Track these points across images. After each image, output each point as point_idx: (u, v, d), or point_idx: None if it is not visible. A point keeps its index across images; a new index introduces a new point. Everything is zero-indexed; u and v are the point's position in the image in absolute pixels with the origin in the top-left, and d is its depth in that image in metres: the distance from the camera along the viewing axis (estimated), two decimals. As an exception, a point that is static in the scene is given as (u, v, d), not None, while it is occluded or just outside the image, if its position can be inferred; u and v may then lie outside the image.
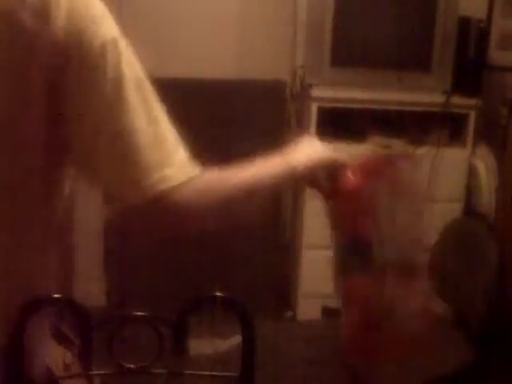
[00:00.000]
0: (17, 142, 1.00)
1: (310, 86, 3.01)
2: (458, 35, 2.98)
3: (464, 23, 2.99)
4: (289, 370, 2.77)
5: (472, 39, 3.02)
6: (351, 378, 2.17)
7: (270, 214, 3.19)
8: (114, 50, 1.01)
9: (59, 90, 0.97)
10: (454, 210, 3.06)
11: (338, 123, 3.07)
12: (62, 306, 1.08)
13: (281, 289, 3.29)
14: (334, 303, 3.33)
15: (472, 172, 3.08)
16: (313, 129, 3.01)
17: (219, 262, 2.99)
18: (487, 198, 3.03)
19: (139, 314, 1.09)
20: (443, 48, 2.98)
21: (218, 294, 1.09)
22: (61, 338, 1.98)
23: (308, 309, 3.18)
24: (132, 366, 1.07)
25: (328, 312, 3.19)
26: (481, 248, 2.25)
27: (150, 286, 2.93)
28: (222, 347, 2.76)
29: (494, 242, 2.22)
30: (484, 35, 3.10)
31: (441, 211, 3.01)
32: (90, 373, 1.09)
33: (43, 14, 0.93)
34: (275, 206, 3.24)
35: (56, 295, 1.06)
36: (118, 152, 1.01)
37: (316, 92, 2.98)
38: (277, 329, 3.07)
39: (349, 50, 2.98)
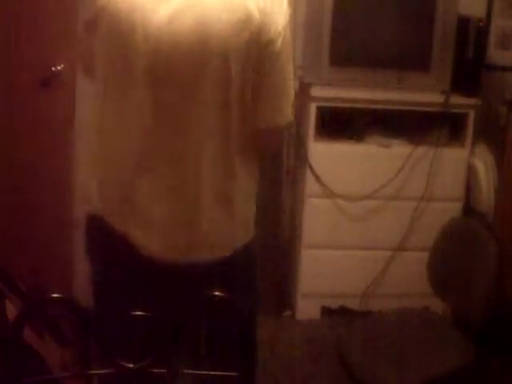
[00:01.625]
0: (233, 89, 1.56)
1: (309, 85, 3.01)
2: (457, 35, 2.98)
3: (463, 23, 2.99)
4: (288, 369, 2.77)
5: (471, 39, 3.01)
6: (350, 377, 2.17)
7: (270, 214, 3.19)
8: (283, 36, 1.57)
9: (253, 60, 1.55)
10: (453, 209, 3.06)
11: (337, 123, 3.07)
12: (61, 306, 1.08)
13: (280, 288, 3.29)
14: (333, 303, 3.36)
15: (471, 171, 3.09)
16: (312, 128, 3.01)
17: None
18: (486, 197, 3.03)
19: (139, 313, 1.09)
20: (442, 48, 2.97)
21: (217, 293, 1.09)
22: (61, 338, 1.98)
23: (307, 308, 3.18)
24: (132, 365, 1.07)
25: (327, 312, 3.19)
26: (480, 247, 2.25)
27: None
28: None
29: (494, 242, 2.22)
30: (483, 35, 3.10)
31: (440, 211, 3.02)
32: (90, 373, 1.09)
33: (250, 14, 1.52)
34: (275, 205, 3.24)
35: (56, 295, 1.06)
36: (274, 92, 1.61)
37: (315, 92, 2.99)
38: (276, 328, 3.07)
39: (348, 49, 2.98)
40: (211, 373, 1.14)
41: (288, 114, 1.64)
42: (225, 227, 1.65)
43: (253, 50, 1.53)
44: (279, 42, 1.55)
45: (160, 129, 1.57)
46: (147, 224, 1.60)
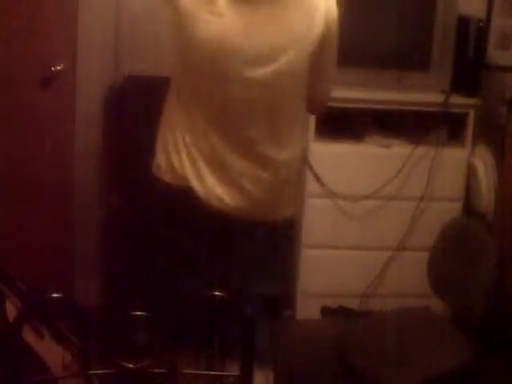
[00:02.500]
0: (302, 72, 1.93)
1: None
2: (457, 35, 2.98)
3: (463, 23, 2.99)
4: (288, 369, 2.77)
5: (471, 39, 3.01)
6: (350, 377, 2.17)
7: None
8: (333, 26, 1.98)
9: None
10: (453, 209, 3.06)
11: (337, 123, 3.07)
12: (61, 306, 1.08)
13: (280, 288, 3.29)
14: (333, 303, 3.36)
15: (471, 171, 3.08)
16: (312, 128, 3.00)
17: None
18: (486, 197, 3.03)
19: (139, 313, 1.09)
20: (442, 48, 2.97)
21: (217, 293, 1.09)
22: (60, 338, 1.98)
23: (307, 308, 3.18)
24: (132, 365, 1.07)
25: (327, 312, 3.19)
26: (480, 247, 2.25)
27: (150, 285, 2.92)
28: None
29: (493, 241, 2.23)
30: (483, 35, 3.10)
31: (440, 211, 3.02)
32: (90, 372, 1.09)
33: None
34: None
35: (56, 295, 1.06)
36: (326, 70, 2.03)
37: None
38: (276, 328, 3.07)
39: (348, 49, 2.96)
40: (211, 373, 1.14)
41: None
42: (290, 191, 2.02)
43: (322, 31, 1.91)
44: (335, 23, 1.98)
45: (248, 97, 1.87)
46: (229, 182, 1.89)
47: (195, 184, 1.90)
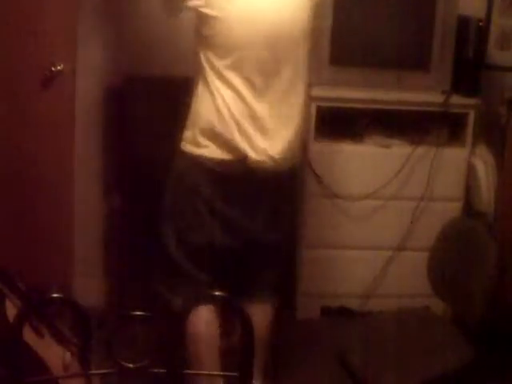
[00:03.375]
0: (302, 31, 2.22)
1: (309, 85, 3.01)
2: (457, 35, 2.98)
3: (463, 23, 2.99)
4: (288, 369, 2.77)
5: (471, 39, 3.02)
6: (350, 377, 2.17)
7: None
8: None
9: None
10: (454, 209, 3.06)
11: (337, 123, 3.07)
12: (61, 306, 1.08)
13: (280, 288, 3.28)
14: (333, 303, 3.36)
15: (471, 171, 3.09)
16: (312, 128, 3.01)
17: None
18: (486, 197, 3.03)
19: (139, 313, 1.09)
20: (442, 47, 2.98)
21: (217, 293, 1.09)
22: (60, 338, 1.98)
23: (307, 308, 3.18)
24: (132, 365, 1.07)
25: (327, 312, 3.19)
26: (480, 247, 2.25)
27: (149, 285, 2.92)
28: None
29: (494, 242, 2.22)
30: (483, 35, 3.10)
31: (440, 210, 3.02)
32: (90, 372, 1.09)
33: None
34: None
35: (56, 295, 1.06)
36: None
37: (315, 92, 2.98)
38: (276, 328, 3.07)
39: (348, 49, 2.98)
40: (211, 373, 1.14)
41: None
42: (296, 140, 2.25)
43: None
44: None
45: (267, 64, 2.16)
46: (269, 134, 2.18)
47: (241, 142, 2.15)
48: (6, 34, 2.58)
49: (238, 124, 2.15)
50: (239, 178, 2.18)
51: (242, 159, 2.17)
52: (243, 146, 2.16)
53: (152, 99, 2.86)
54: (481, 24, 3.07)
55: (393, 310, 2.52)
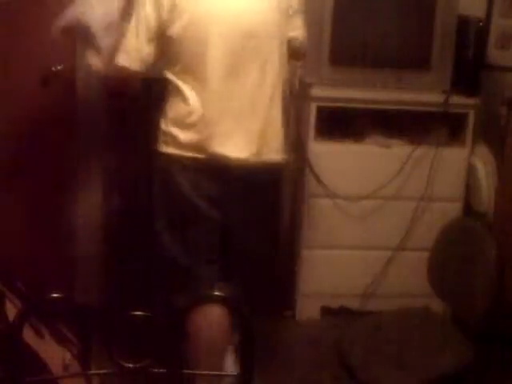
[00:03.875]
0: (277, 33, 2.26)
1: (310, 85, 3.01)
2: (457, 35, 2.98)
3: (463, 22, 2.99)
4: (288, 369, 2.77)
5: (471, 38, 3.02)
6: (350, 377, 2.17)
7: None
8: None
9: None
10: (453, 209, 3.06)
11: (337, 123, 3.07)
12: (61, 306, 1.08)
13: (280, 288, 3.29)
14: (333, 303, 3.36)
15: (471, 171, 3.09)
16: (312, 128, 3.01)
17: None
18: (486, 197, 3.03)
19: (139, 313, 1.09)
20: (442, 47, 2.98)
21: (217, 293, 1.09)
22: (61, 338, 1.98)
23: (307, 308, 3.18)
24: (132, 365, 1.07)
25: (327, 312, 3.19)
26: (480, 247, 2.25)
27: (149, 285, 2.92)
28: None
29: (493, 242, 2.22)
30: (483, 34, 3.10)
31: (440, 211, 3.02)
32: (90, 372, 1.09)
33: None
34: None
35: (56, 295, 1.06)
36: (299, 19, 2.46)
37: (315, 91, 2.99)
38: (276, 328, 3.07)
39: (348, 49, 2.98)
40: (211, 373, 1.14)
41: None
42: (281, 137, 2.30)
43: None
44: None
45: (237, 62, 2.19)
46: (232, 137, 2.21)
47: (217, 143, 2.20)
48: (6, 33, 2.58)
49: (210, 123, 2.19)
50: (213, 176, 2.23)
51: (215, 157, 2.21)
52: (216, 144, 2.20)
53: (153, 98, 2.85)
54: (481, 24, 3.07)
55: (393, 310, 2.52)
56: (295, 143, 3.27)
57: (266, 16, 2.23)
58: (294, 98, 3.19)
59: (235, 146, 2.22)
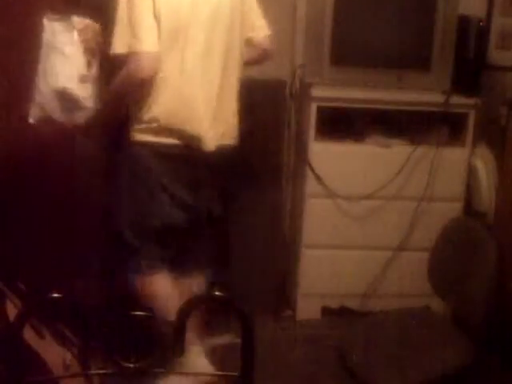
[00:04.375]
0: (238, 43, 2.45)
1: (310, 85, 3.01)
2: (457, 35, 2.98)
3: (464, 22, 2.99)
4: (288, 369, 2.77)
5: (472, 38, 3.01)
6: (350, 377, 2.17)
7: (270, 214, 3.19)
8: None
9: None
10: (454, 209, 3.06)
11: (338, 123, 3.07)
12: (61, 306, 1.08)
13: (280, 288, 3.29)
14: (333, 303, 3.36)
15: (471, 172, 3.08)
16: (312, 128, 3.01)
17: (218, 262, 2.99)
18: (487, 197, 3.03)
19: (139, 313, 1.09)
20: (443, 47, 2.97)
21: (217, 293, 1.09)
22: (61, 338, 1.98)
23: (307, 308, 3.18)
24: (132, 365, 1.07)
25: (327, 312, 3.19)
26: (480, 247, 2.25)
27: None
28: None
29: (494, 242, 2.22)
30: (484, 34, 3.10)
31: (440, 211, 3.02)
32: (90, 372, 1.09)
33: None
34: (275, 205, 3.24)
35: (56, 295, 1.06)
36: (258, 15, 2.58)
37: (316, 91, 2.99)
38: (276, 328, 3.08)
39: (348, 49, 2.98)
40: (211, 373, 1.14)
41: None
42: (236, 123, 2.47)
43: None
44: None
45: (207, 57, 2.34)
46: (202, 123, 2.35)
47: (187, 127, 2.34)
48: (6, 33, 2.58)
49: (181, 111, 2.33)
50: (185, 161, 2.37)
51: (186, 144, 2.35)
52: (188, 131, 2.34)
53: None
54: (481, 24, 3.07)
55: (393, 310, 2.52)
56: (295, 143, 3.28)
57: (226, 4, 2.38)
58: (294, 98, 3.20)
59: (208, 130, 2.37)
